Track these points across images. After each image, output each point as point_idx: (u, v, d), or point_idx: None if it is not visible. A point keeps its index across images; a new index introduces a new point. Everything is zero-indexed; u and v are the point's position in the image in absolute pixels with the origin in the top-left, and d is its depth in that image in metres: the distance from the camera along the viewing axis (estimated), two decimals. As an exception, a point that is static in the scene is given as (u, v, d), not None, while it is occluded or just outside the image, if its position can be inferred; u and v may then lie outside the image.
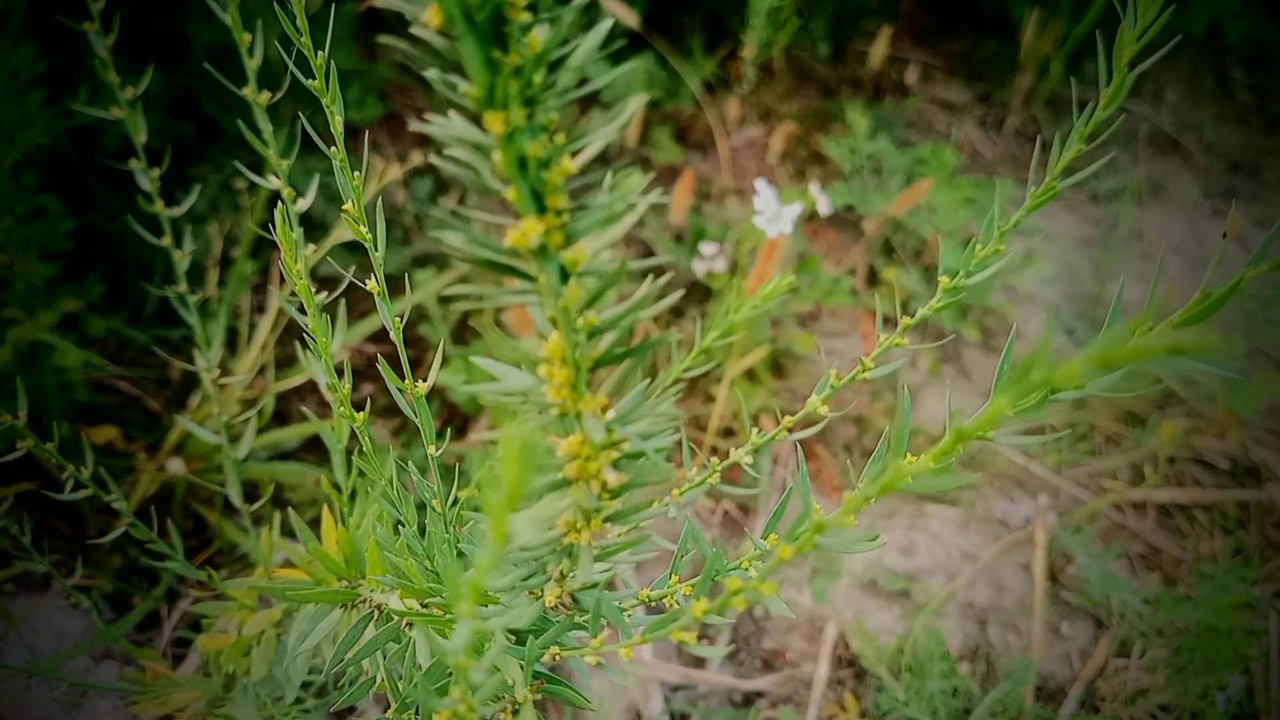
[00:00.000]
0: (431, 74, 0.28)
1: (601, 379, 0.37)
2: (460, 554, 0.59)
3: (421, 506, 0.61)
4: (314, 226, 1.60)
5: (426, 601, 0.55)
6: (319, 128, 0.54)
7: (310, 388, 1.48)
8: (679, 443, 0.62)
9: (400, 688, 0.56)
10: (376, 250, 0.56)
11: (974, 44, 2.40)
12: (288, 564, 0.81)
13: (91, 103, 1.27)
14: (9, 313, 1.25)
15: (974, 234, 0.54)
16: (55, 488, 0.75)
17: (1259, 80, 2.41)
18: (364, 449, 0.61)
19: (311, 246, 0.98)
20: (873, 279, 1.87)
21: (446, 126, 0.30)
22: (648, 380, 0.39)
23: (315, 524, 0.68)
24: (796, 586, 1.44)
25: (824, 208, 1.63)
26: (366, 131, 1.78)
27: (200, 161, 1.56)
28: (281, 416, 1.47)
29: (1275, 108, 2.36)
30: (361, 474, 0.75)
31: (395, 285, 1.49)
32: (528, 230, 0.30)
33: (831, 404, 0.58)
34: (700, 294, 1.75)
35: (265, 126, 0.67)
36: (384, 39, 0.30)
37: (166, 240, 0.81)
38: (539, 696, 0.48)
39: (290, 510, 0.66)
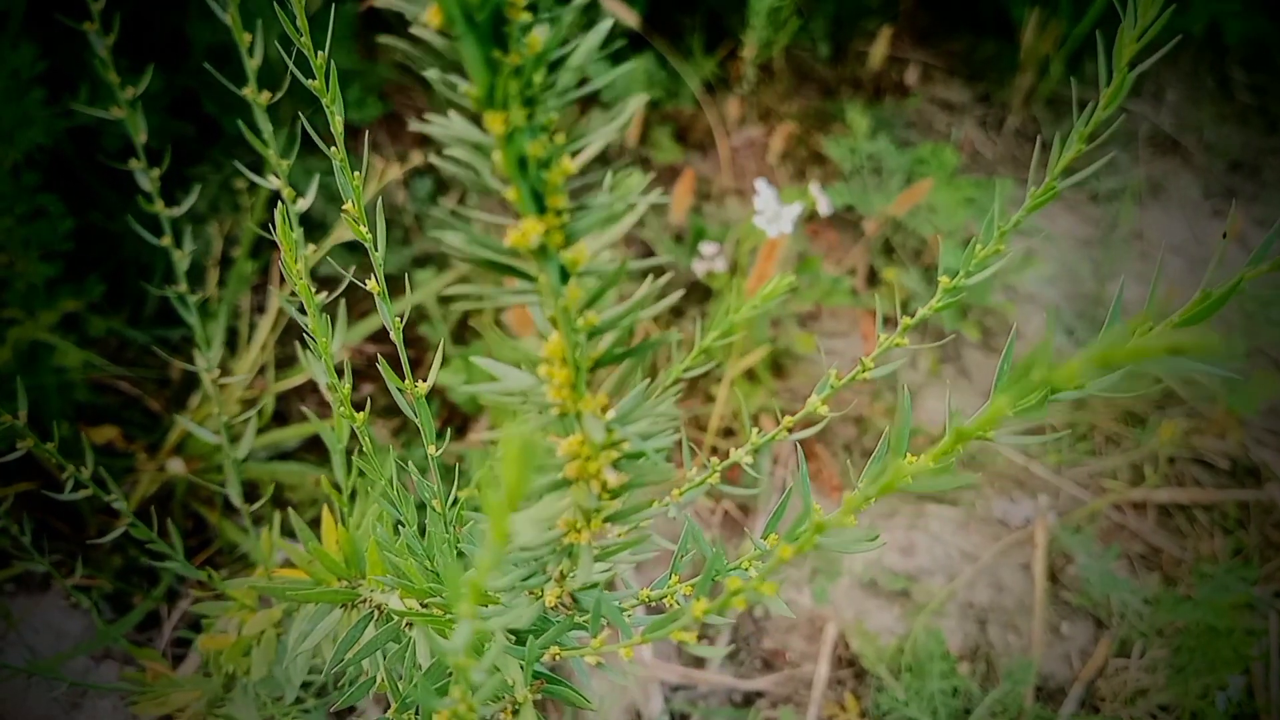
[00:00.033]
0: (431, 74, 0.28)
1: (601, 379, 0.37)
2: (460, 554, 0.59)
3: (421, 506, 0.61)
4: (314, 226, 1.60)
5: (426, 601, 0.55)
6: (319, 128, 0.54)
7: (310, 388, 1.48)
8: (679, 443, 0.62)
9: (400, 688, 0.56)
10: (376, 250, 0.56)
11: (974, 44, 2.40)
12: (288, 564, 0.81)
13: (91, 103, 1.27)
14: (9, 313, 1.25)
15: (974, 234, 0.54)
16: (55, 488, 0.75)
17: (1259, 80, 2.41)
18: (364, 449, 0.61)
19: (311, 246, 0.98)
20: (873, 279, 1.87)
21: (446, 126, 0.30)
22: (648, 380, 0.39)
23: (315, 524, 0.68)
24: (796, 586, 1.44)
25: (824, 208, 1.63)
26: (366, 131, 1.78)
27: (200, 161, 1.56)
28: (281, 416, 1.47)
29: (1275, 108, 2.36)
30: (361, 474, 0.75)
31: (395, 285, 1.49)
32: (528, 230, 0.30)
33: (831, 404, 0.58)
34: (700, 294, 1.75)
35: (265, 126, 0.67)
36: (384, 39, 0.30)
37: (166, 240, 0.81)
38: (539, 696, 0.48)
39: (290, 510, 0.66)
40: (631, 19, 1.83)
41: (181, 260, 0.82)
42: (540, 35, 0.28)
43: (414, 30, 0.27)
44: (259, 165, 0.72)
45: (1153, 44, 0.44)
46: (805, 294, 1.68)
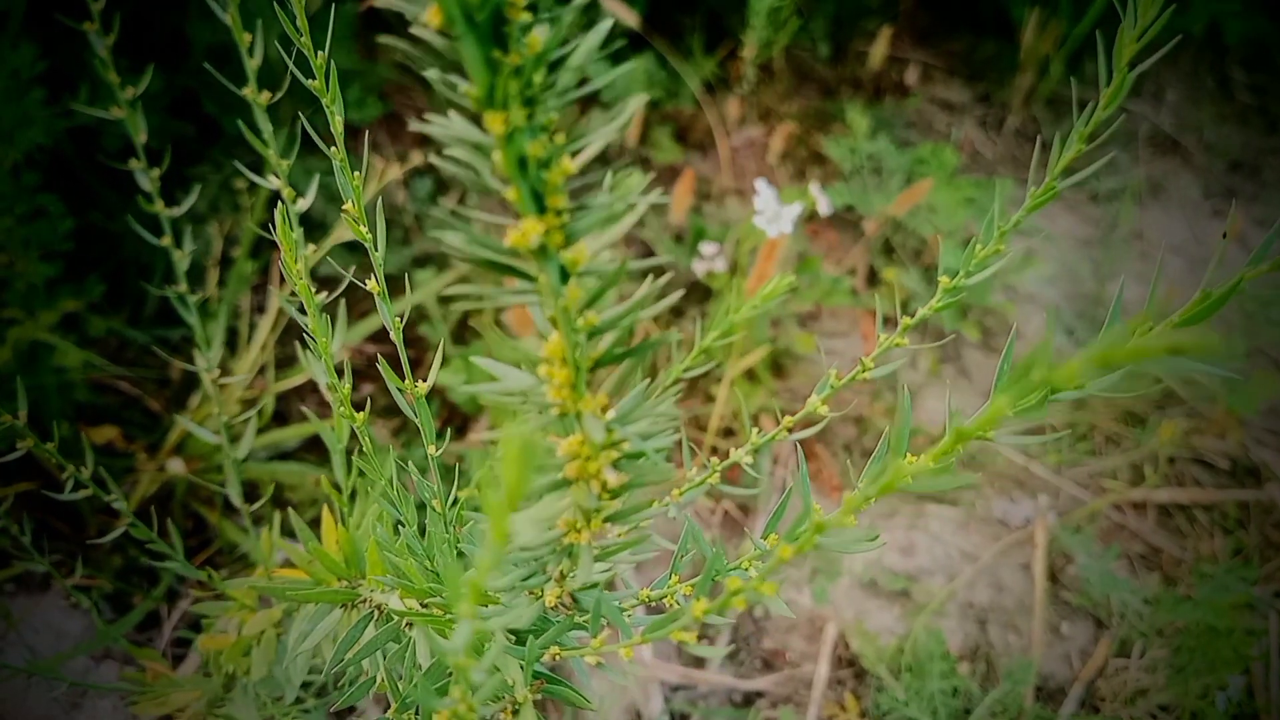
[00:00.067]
0: (431, 74, 0.28)
1: (601, 379, 0.37)
2: (460, 554, 0.59)
3: (421, 506, 0.61)
4: (314, 227, 1.60)
5: (426, 601, 0.55)
6: (319, 128, 0.54)
7: (310, 388, 1.48)
8: (679, 443, 0.62)
9: (400, 688, 0.56)
10: (376, 250, 0.56)
11: (974, 44, 2.40)
12: (288, 564, 0.81)
13: (91, 103, 1.27)
14: (9, 313, 1.25)
15: (974, 234, 0.54)
16: (55, 488, 0.75)
17: (1259, 80, 2.41)
18: (364, 449, 0.61)
19: (311, 246, 0.98)
20: (873, 279, 1.87)
21: (446, 126, 0.30)
22: (648, 380, 0.39)
23: (315, 524, 0.68)
24: (796, 586, 1.44)
25: (824, 208, 1.63)
26: (366, 131, 1.78)
27: (200, 161, 1.56)
28: (281, 416, 1.47)
29: (1275, 108, 2.36)
30: (361, 474, 0.75)
31: (395, 285, 1.49)
32: (528, 230, 0.30)
33: (831, 404, 0.58)
34: (700, 294, 1.75)
35: (265, 126, 0.67)
36: (384, 39, 0.30)
37: (166, 240, 0.81)
38: (539, 696, 0.48)
39: (290, 510, 0.66)
40: (631, 19, 1.83)
41: (181, 260, 0.82)
42: (540, 35, 0.28)
43: (414, 30, 0.27)
44: (259, 165, 0.72)
45: (1153, 44, 0.44)
46: (805, 294, 1.68)
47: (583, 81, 0.31)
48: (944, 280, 0.54)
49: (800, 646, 1.38)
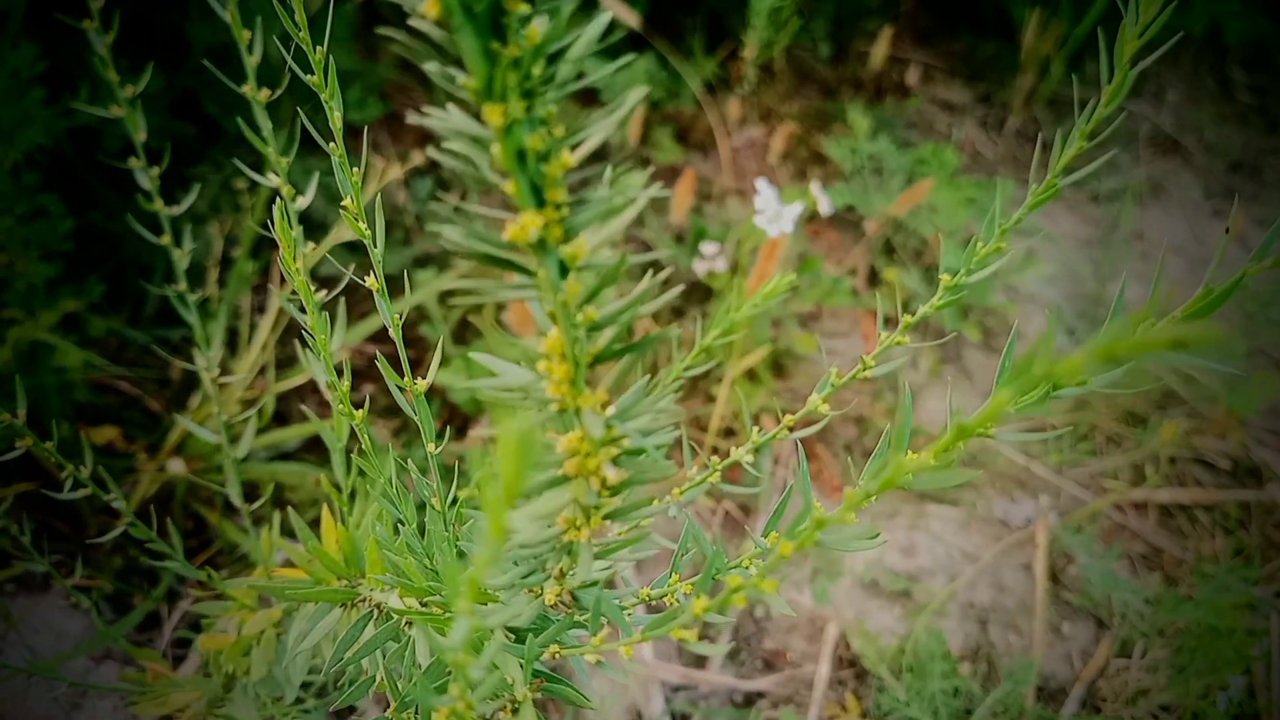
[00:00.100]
0: (430, 67, 0.28)
1: (601, 375, 0.37)
2: (460, 553, 0.59)
3: (421, 506, 0.61)
4: (314, 226, 1.60)
5: (426, 600, 0.55)
6: (319, 126, 0.54)
7: (310, 388, 1.48)
8: (679, 440, 0.62)
9: (400, 686, 0.56)
10: (376, 248, 0.55)
11: (975, 44, 2.40)
12: (288, 564, 0.81)
13: (91, 102, 1.27)
14: (9, 313, 1.25)
15: (975, 234, 0.54)
16: (55, 488, 0.75)
17: (1259, 80, 2.41)
18: (364, 448, 0.61)
19: (311, 245, 0.98)
20: (873, 279, 1.86)
21: (445, 119, 0.30)
22: (648, 377, 0.39)
23: (315, 524, 0.68)
24: (797, 586, 1.44)
25: (825, 208, 1.63)
26: (366, 130, 1.77)
27: (200, 161, 1.56)
28: (281, 416, 1.46)
29: (1275, 108, 2.36)
30: (361, 473, 0.75)
31: (395, 285, 1.49)
32: (526, 224, 0.30)
33: (832, 403, 0.57)
34: (701, 294, 1.75)
35: (265, 124, 0.67)
36: (383, 30, 0.30)
37: (166, 239, 0.81)
38: (538, 695, 0.47)
39: (290, 510, 0.66)
40: (632, 19, 1.83)
41: (181, 260, 0.82)
42: (539, 27, 0.27)
43: (412, 22, 0.27)
44: (259, 165, 0.72)
45: (1153, 42, 0.44)
46: (806, 294, 1.68)
47: (581, 75, 0.31)
48: (945, 278, 0.54)
49: (801, 647, 1.38)
